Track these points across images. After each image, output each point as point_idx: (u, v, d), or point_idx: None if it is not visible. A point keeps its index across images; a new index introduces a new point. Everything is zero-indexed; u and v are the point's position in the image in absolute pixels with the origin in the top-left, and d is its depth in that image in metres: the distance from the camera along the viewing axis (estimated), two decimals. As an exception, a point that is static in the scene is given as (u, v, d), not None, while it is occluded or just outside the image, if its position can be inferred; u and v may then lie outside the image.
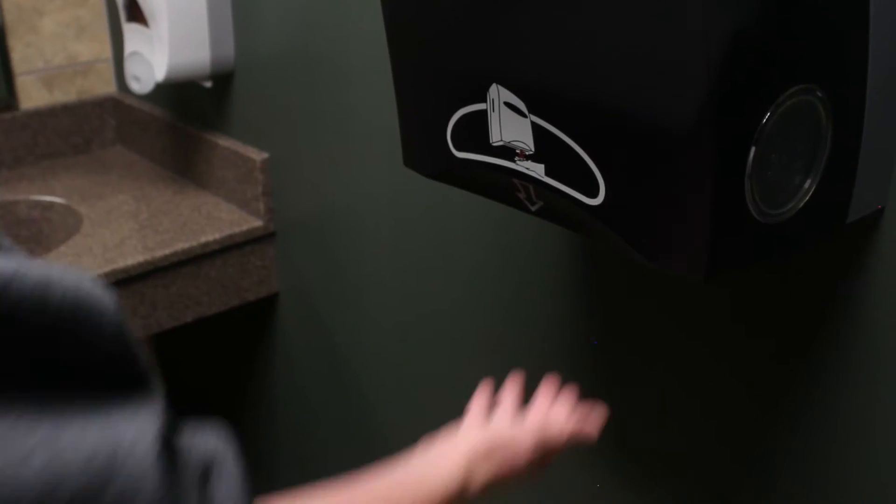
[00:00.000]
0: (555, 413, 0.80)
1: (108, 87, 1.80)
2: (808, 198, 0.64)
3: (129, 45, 1.47)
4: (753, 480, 0.87)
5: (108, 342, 0.40)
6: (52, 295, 0.38)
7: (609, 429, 1.01)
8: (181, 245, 1.39)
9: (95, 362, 0.39)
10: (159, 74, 1.43)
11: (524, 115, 0.67)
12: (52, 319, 0.38)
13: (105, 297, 0.40)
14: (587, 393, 0.82)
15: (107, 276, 1.31)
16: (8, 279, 0.37)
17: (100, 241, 1.40)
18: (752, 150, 0.59)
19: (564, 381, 0.81)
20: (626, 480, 1.00)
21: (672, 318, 0.90)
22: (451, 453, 0.72)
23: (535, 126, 0.67)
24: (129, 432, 0.38)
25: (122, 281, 1.33)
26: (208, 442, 0.47)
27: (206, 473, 0.45)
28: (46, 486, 0.35)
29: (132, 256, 1.35)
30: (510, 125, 0.69)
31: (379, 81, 1.17)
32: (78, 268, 0.39)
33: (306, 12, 1.29)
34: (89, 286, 0.39)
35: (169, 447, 0.41)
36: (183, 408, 0.54)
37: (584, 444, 0.82)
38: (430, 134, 0.76)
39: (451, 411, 1.25)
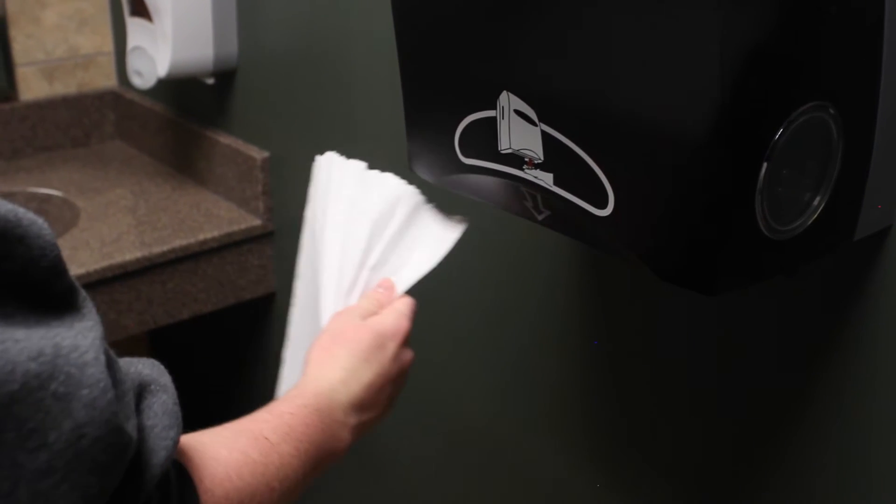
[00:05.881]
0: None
1: (108, 81, 1.79)
2: (816, 215, 0.64)
3: (132, 40, 1.47)
4: (753, 483, 0.87)
5: (46, 262, 0.43)
6: None
7: (609, 428, 1.01)
8: (179, 242, 1.39)
9: (31, 284, 0.43)
10: (162, 70, 1.42)
11: (534, 124, 0.67)
12: None
13: (40, 222, 0.43)
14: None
15: (103, 270, 1.30)
16: None
17: (97, 236, 1.40)
18: (765, 165, 0.58)
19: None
20: (625, 480, 1.00)
21: (673, 320, 0.90)
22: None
23: (545, 135, 0.66)
24: (68, 337, 0.43)
25: (119, 276, 1.33)
26: (143, 369, 0.53)
27: (140, 392, 0.51)
28: (3, 370, 0.40)
29: (129, 252, 1.35)
30: (519, 133, 0.68)
31: (383, 83, 1.17)
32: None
33: (311, 11, 1.28)
34: (24, 212, 0.43)
35: (106, 356, 0.45)
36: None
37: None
38: (437, 139, 0.76)
39: (446, 408, 1.24)
